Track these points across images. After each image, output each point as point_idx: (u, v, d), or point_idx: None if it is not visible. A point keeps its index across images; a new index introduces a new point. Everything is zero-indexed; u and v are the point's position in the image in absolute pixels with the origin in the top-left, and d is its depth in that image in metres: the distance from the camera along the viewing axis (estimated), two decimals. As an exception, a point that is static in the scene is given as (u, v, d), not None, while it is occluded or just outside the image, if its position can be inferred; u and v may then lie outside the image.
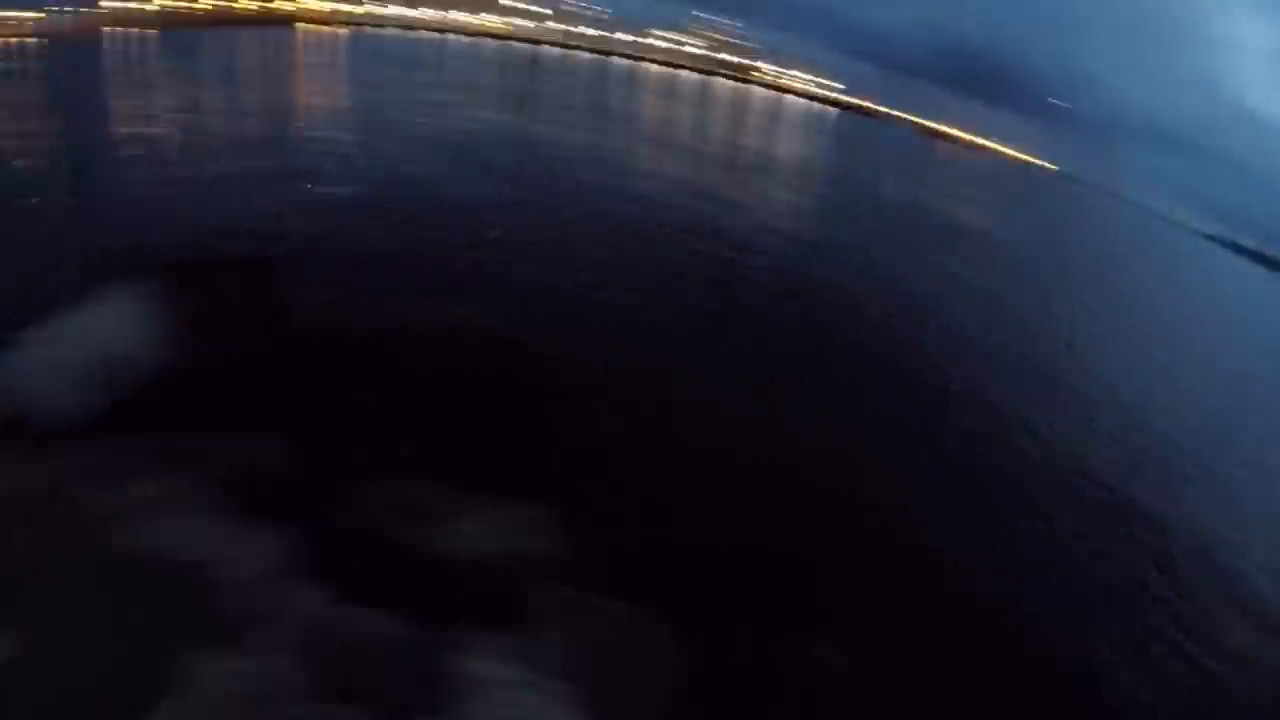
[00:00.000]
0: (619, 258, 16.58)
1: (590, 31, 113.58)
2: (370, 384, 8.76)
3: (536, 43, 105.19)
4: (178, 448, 6.65)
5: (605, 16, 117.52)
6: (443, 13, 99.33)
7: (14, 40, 31.26)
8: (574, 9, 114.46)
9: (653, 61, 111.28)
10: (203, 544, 5.16)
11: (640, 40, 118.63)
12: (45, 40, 31.75)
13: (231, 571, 4.94)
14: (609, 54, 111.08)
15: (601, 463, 8.62)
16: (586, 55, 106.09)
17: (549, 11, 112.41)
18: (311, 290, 10.95)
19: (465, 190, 19.58)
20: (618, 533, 7.36)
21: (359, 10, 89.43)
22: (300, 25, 70.39)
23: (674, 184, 26.30)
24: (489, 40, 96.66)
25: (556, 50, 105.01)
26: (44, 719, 3.16)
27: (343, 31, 74.04)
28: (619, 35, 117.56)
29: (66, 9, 38.22)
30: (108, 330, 8.13)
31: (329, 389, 8.46)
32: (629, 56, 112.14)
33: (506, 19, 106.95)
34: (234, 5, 61.16)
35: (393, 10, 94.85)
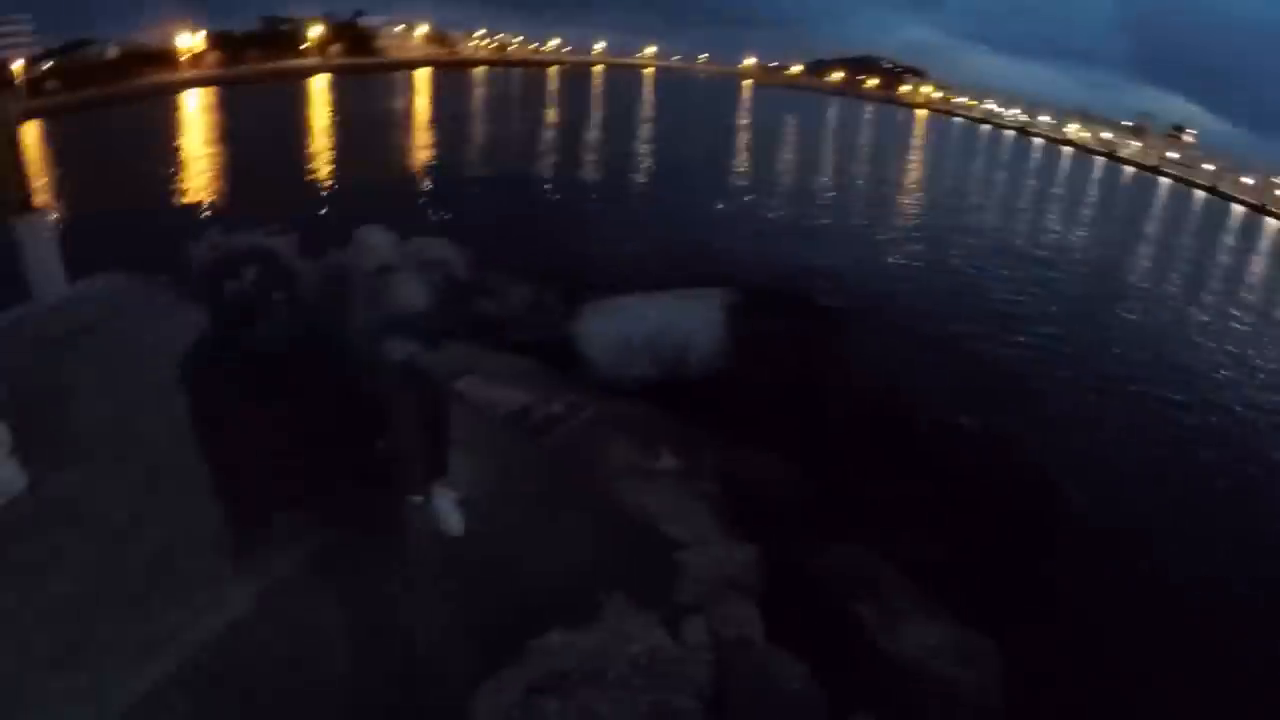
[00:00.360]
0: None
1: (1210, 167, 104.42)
2: (900, 455, 8.71)
3: (1152, 170, 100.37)
4: (699, 438, 7.38)
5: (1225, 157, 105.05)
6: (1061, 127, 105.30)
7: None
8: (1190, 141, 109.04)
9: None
10: (683, 530, 5.34)
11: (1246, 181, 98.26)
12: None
13: (691, 559, 4.96)
14: (1217, 193, 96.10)
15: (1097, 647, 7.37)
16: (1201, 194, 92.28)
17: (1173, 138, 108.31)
18: (871, 351, 11.59)
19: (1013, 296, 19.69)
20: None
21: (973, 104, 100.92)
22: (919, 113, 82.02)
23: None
24: (1099, 158, 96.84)
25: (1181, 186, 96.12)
26: (482, 590, 3.70)
27: (958, 119, 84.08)
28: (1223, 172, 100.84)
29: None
30: (679, 321, 9.34)
31: (852, 441, 8.64)
32: (1242, 202, 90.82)
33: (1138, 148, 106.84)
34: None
35: (1011, 112, 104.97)
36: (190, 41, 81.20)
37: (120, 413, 4.47)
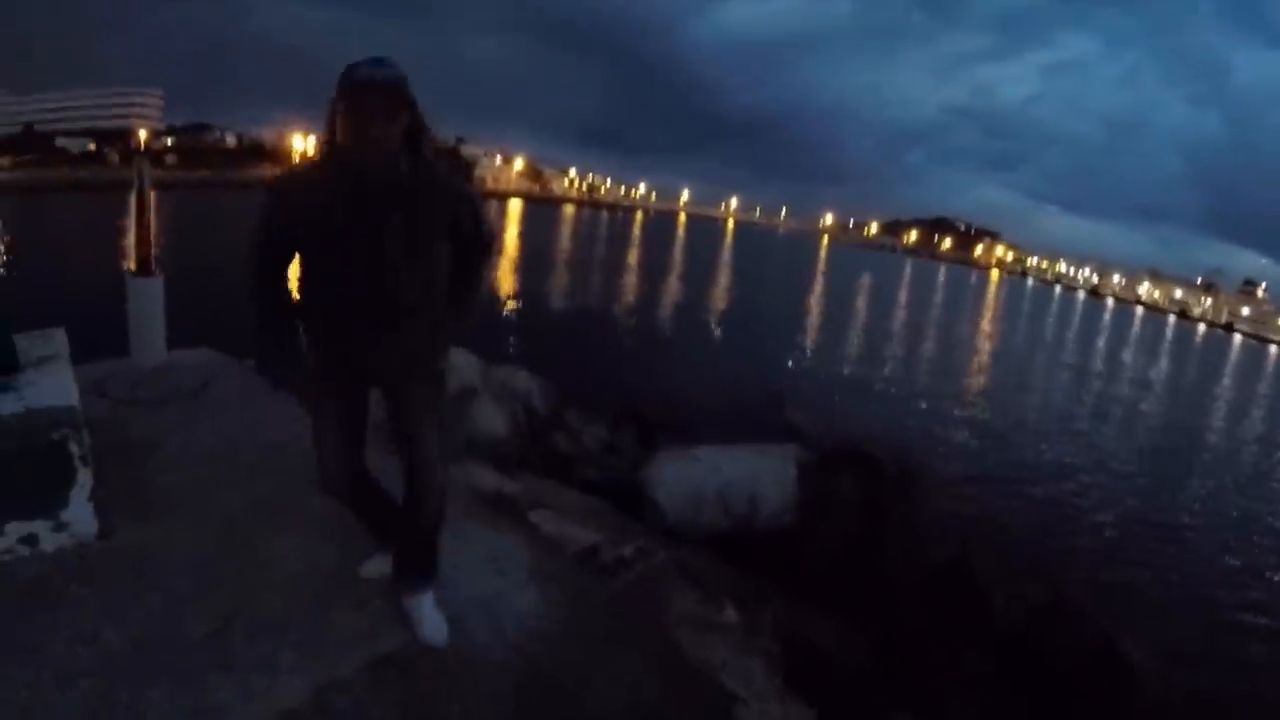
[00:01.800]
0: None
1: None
2: (963, 622, 8.52)
3: (1224, 328, 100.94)
4: (763, 593, 7.45)
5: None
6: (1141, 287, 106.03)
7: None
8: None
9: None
10: (740, 684, 5.36)
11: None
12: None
13: (747, 716, 4.99)
14: None
15: None
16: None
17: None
18: (938, 516, 11.55)
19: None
20: None
21: (1045, 265, 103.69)
22: (992, 274, 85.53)
23: None
24: (1171, 317, 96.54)
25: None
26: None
27: (1030, 280, 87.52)
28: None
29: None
30: (751, 474, 9.42)
31: (915, 606, 8.54)
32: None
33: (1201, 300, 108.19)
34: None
35: (1082, 272, 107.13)
36: (303, 144, 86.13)
37: (200, 483, 4.56)
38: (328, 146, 2.79)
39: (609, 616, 4.66)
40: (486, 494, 6.39)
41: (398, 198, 2.82)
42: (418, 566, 3.58)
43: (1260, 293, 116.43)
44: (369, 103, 2.62)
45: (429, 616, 3.57)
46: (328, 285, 2.92)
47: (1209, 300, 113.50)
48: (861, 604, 8.17)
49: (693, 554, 7.76)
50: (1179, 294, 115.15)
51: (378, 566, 3.85)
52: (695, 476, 9.14)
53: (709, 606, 6.28)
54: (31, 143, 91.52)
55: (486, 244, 3.12)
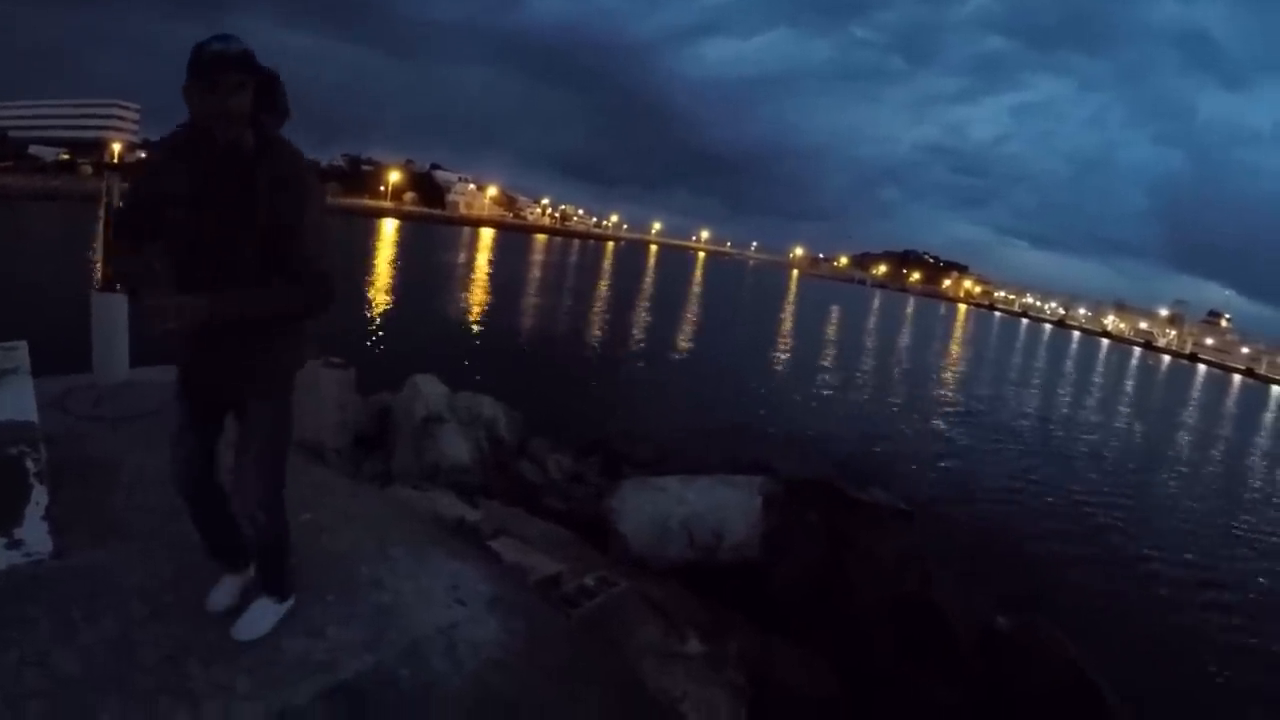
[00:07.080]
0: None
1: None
2: (931, 653, 8.36)
3: (1189, 358, 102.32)
4: (728, 624, 7.40)
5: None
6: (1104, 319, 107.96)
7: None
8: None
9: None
10: (703, 715, 5.27)
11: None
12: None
13: None
14: (1255, 375, 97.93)
15: None
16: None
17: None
18: (906, 546, 10.99)
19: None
20: None
21: (1013, 298, 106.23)
22: (961, 306, 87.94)
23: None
24: (1136, 348, 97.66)
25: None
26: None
27: (998, 313, 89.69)
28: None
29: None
30: (717, 505, 9.27)
31: (883, 637, 8.41)
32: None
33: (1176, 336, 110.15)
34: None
35: (1049, 305, 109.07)
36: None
37: (157, 506, 4.38)
38: (185, 125, 2.78)
39: (570, 646, 4.62)
40: (448, 521, 6.31)
41: (239, 170, 2.79)
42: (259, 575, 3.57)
43: (1224, 323, 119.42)
44: (220, 77, 2.66)
45: (250, 612, 3.49)
46: (181, 270, 2.79)
47: (1173, 331, 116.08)
48: (827, 635, 8.13)
49: (656, 584, 7.69)
50: (1144, 325, 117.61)
51: (225, 595, 3.69)
52: (660, 507, 9.08)
53: (672, 637, 6.23)
54: (3, 149, 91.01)
55: (307, 270, 2.84)
